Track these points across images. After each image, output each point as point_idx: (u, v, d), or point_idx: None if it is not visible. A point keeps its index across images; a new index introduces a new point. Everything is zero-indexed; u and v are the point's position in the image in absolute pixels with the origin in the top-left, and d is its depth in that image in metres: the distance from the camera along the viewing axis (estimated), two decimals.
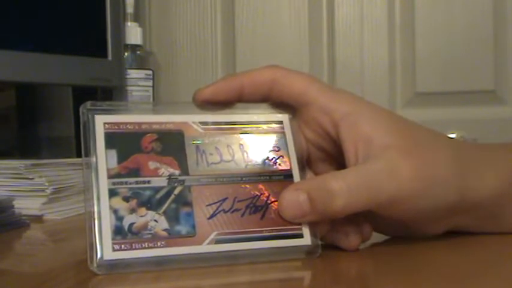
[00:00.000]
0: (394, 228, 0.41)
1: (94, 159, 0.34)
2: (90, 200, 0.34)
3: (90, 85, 0.90)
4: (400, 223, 0.39)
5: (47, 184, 0.58)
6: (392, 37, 1.16)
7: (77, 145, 0.95)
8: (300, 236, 0.36)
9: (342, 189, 0.35)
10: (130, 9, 1.08)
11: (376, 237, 0.41)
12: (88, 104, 0.36)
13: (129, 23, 1.08)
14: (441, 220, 0.40)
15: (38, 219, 0.57)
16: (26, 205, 0.57)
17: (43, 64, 0.82)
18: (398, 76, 1.17)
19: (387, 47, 1.16)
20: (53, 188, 0.58)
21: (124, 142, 0.35)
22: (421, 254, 0.38)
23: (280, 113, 0.39)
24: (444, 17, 1.15)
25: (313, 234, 0.36)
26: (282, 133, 0.39)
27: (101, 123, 0.35)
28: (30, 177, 0.58)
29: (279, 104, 0.40)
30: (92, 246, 0.33)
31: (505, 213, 0.40)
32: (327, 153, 0.40)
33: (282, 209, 0.36)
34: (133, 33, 1.08)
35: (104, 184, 0.34)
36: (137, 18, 1.13)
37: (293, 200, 0.36)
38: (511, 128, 1.10)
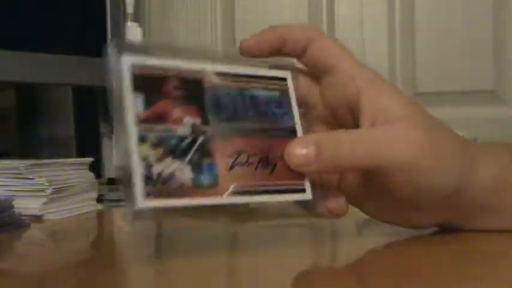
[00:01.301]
0: (389, 212, 0.41)
1: (121, 103, 0.33)
2: (120, 148, 0.32)
3: (90, 85, 0.90)
4: (396, 205, 0.39)
5: (47, 184, 0.58)
6: (393, 37, 1.16)
7: (77, 145, 0.95)
8: (303, 191, 0.37)
9: (349, 139, 0.37)
10: (130, 9, 1.08)
11: (376, 237, 0.41)
12: (114, 41, 0.33)
13: (129, 23, 1.08)
14: (437, 210, 0.40)
15: (38, 219, 0.57)
16: (26, 205, 0.57)
17: (43, 64, 0.82)
18: (398, 76, 1.17)
19: (387, 47, 1.16)
20: (53, 188, 0.58)
21: (150, 86, 0.34)
22: (420, 255, 0.38)
23: (283, 69, 0.40)
24: (444, 17, 1.15)
25: (314, 189, 0.38)
26: (285, 90, 0.40)
27: (129, 64, 0.34)
28: (30, 177, 0.58)
29: (309, 63, 0.41)
30: (126, 195, 0.32)
31: (504, 205, 0.40)
32: (337, 118, 0.41)
33: (288, 157, 0.37)
34: (133, 33, 1.08)
35: (133, 130, 0.33)
36: (137, 18, 1.13)
37: (301, 148, 0.37)
38: (511, 128, 1.10)
